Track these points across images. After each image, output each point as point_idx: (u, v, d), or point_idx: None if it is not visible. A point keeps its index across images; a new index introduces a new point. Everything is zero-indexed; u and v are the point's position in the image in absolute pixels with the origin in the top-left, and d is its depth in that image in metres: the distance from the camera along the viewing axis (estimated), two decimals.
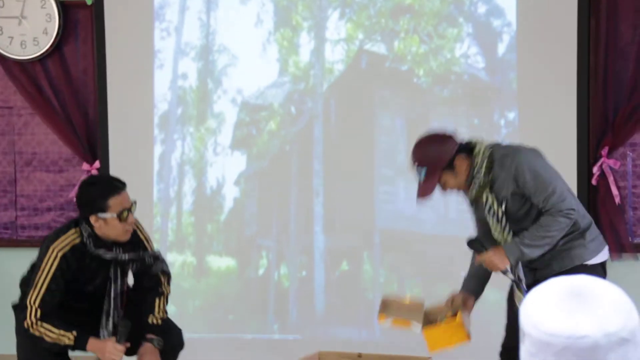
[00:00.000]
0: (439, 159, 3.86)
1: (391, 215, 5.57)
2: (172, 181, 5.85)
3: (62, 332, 4.04)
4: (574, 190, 5.28)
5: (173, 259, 5.83)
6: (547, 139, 5.36)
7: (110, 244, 4.17)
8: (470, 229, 5.43)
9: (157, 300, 4.36)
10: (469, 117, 5.51)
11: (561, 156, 5.33)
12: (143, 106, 5.84)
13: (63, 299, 4.13)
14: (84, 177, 5.87)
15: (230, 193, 5.80)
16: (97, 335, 4.19)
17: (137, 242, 4.32)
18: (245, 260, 5.79)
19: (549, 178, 3.84)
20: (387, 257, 5.61)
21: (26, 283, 4.26)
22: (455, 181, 3.91)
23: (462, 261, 5.40)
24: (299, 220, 5.70)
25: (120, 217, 4.10)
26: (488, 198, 3.90)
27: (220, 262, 5.83)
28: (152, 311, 4.33)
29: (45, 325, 4.05)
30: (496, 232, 3.97)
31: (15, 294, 5.94)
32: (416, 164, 3.91)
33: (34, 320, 4.05)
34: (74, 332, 4.05)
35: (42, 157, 6.03)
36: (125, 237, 4.17)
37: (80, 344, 4.07)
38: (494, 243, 4.01)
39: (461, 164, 3.88)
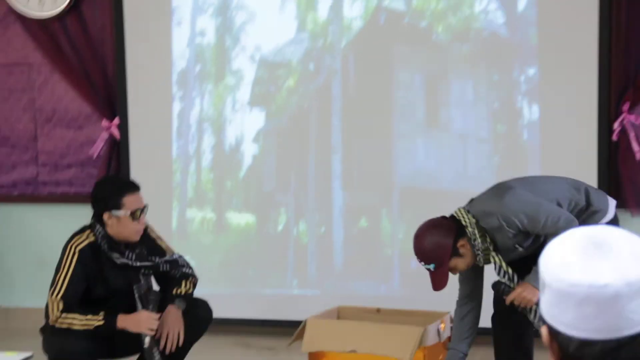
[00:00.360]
0: (443, 252, 3.85)
1: (409, 171, 5.57)
2: (191, 138, 5.87)
3: (89, 316, 4.03)
4: (594, 147, 5.27)
5: (193, 215, 5.87)
6: (568, 95, 5.34)
7: (123, 249, 4.18)
8: (487, 185, 5.43)
9: (184, 281, 4.35)
10: (488, 74, 5.48)
11: (582, 112, 5.30)
12: (161, 63, 5.84)
13: (91, 301, 4.12)
14: (104, 133, 5.91)
15: (249, 150, 5.81)
16: (126, 335, 4.10)
17: (151, 248, 4.32)
18: (264, 217, 5.82)
19: (535, 209, 3.80)
20: (406, 213, 5.62)
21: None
22: (465, 263, 3.92)
23: None
24: (318, 177, 5.71)
25: (133, 215, 4.14)
26: (496, 260, 3.90)
27: (240, 219, 5.86)
28: (177, 285, 4.33)
29: (70, 315, 4.04)
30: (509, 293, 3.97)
31: (37, 249, 6.03)
32: (422, 262, 3.90)
33: (57, 314, 4.05)
34: (102, 313, 4.05)
35: (62, 113, 6.07)
36: (135, 237, 4.19)
37: (110, 323, 4.03)
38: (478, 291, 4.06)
39: (465, 246, 3.88)
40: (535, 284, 3.81)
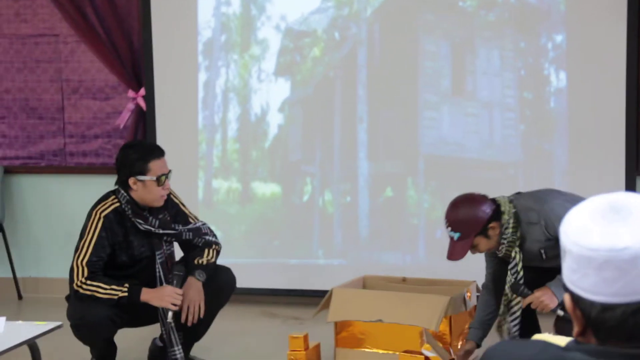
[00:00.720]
0: (473, 226, 3.83)
1: (435, 141, 5.54)
2: (217, 108, 5.87)
3: (113, 287, 4.07)
4: (622, 114, 5.21)
5: (218, 185, 5.88)
6: (595, 62, 5.28)
7: (147, 215, 4.21)
8: (515, 154, 5.40)
9: (207, 250, 4.38)
10: (515, 41, 5.43)
11: (610, 79, 5.24)
12: (187, 33, 5.84)
13: (114, 266, 4.17)
14: (130, 104, 5.92)
15: (275, 120, 5.80)
16: (147, 305, 4.13)
17: (174, 213, 4.35)
18: (289, 187, 5.82)
19: None
20: (431, 182, 5.60)
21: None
22: (487, 245, 3.89)
23: (507, 186, 5.39)
24: (343, 147, 5.70)
25: (158, 180, 4.17)
26: (516, 256, 3.88)
27: (265, 189, 5.87)
28: (199, 255, 4.35)
29: (94, 282, 4.07)
30: (509, 286, 3.94)
31: (64, 220, 6.07)
32: (449, 228, 3.87)
33: (82, 279, 4.08)
34: (126, 285, 4.09)
35: (88, 84, 6.09)
36: (160, 202, 4.22)
37: (133, 296, 4.07)
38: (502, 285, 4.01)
39: (495, 229, 3.85)
40: (556, 290, 3.79)
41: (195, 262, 4.29)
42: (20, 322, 2.94)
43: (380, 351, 4.49)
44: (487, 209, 3.84)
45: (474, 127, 5.50)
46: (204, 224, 4.43)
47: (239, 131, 5.87)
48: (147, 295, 4.08)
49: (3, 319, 2.84)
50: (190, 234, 4.34)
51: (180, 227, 4.32)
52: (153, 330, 4.41)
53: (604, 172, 5.25)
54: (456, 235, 3.84)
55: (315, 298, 5.46)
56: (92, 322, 4.06)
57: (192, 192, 5.85)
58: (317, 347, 4.53)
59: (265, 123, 5.82)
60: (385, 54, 5.59)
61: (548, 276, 3.87)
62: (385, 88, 5.60)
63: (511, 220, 3.84)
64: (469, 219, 3.83)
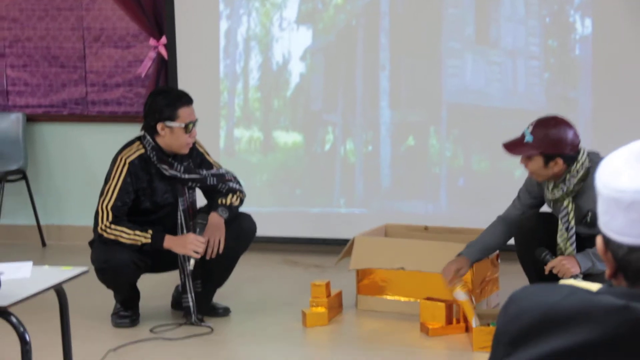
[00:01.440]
0: (548, 144, 3.83)
1: (458, 89, 5.51)
2: (239, 57, 5.85)
3: (136, 232, 4.13)
4: None
5: (240, 135, 5.89)
6: (622, 8, 5.21)
7: (172, 161, 4.23)
8: (539, 102, 5.37)
9: (231, 195, 4.40)
10: None
11: (636, 24, 5.18)
12: None
13: (137, 212, 4.21)
14: (151, 53, 5.91)
15: (296, 68, 5.78)
16: (170, 252, 4.20)
17: (199, 161, 4.37)
18: (311, 136, 5.82)
19: None
20: (454, 131, 5.58)
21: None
22: (537, 170, 3.89)
23: None
24: (365, 95, 5.68)
25: (186, 128, 4.19)
26: (568, 206, 3.90)
27: (287, 138, 5.87)
28: (223, 197, 4.38)
29: (118, 227, 4.13)
30: (561, 237, 3.94)
31: (87, 168, 6.11)
32: (530, 127, 3.87)
33: (107, 223, 4.14)
34: (150, 231, 4.14)
35: (109, 32, 6.08)
36: (185, 149, 4.26)
37: (157, 242, 4.13)
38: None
39: (557, 167, 3.85)
40: (580, 259, 3.78)
41: (219, 202, 4.34)
42: (46, 266, 2.98)
43: (402, 299, 4.52)
44: (569, 147, 3.84)
45: (498, 76, 5.46)
46: (228, 172, 4.46)
47: (260, 80, 5.86)
48: (170, 242, 4.13)
49: (29, 263, 2.88)
50: (215, 179, 4.37)
51: (205, 172, 4.35)
52: (176, 277, 4.46)
53: (629, 120, 5.21)
54: (529, 137, 3.85)
55: (337, 246, 5.49)
56: (117, 266, 4.13)
57: (214, 141, 5.86)
58: (339, 294, 4.56)
59: (287, 72, 5.80)
60: (408, 1, 5.54)
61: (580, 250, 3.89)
62: (408, 36, 5.56)
63: (580, 172, 3.85)
64: (552, 137, 3.83)
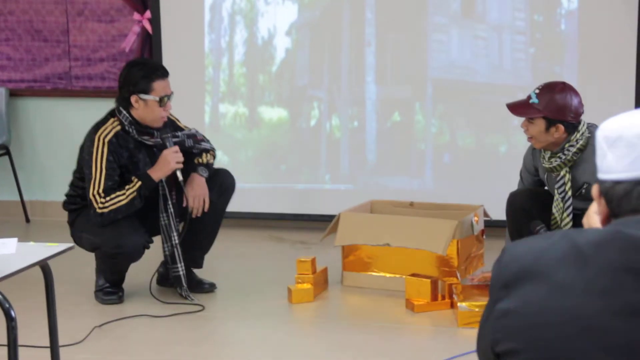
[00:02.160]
0: (552, 108, 3.86)
1: (444, 64, 5.52)
2: (224, 31, 5.83)
3: (128, 190, 4.16)
4: (634, 38, 5.17)
5: (225, 110, 5.88)
6: None
7: (151, 130, 4.25)
8: (525, 78, 5.38)
9: (204, 153, 4.48)
10: None
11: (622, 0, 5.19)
12: None
13: (120, 185, 4.23)
14: (135, 27, 5.88)
15: (282, 43, 5.77)
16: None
17: (173, 129, 4.41)
18: (296, 111, 5.81)
19: None
20: (440, 107, 5.59)
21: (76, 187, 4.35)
22: (537, 135, 3.92)
23: None
24: (351, 71, 5.67)
25: (161, 101, 4.20)
26: (565, 176, 3.92)
27: (272, 113, 5.86)
28: (199, 157, 4.47)
29: (111, 196, 4.16)
30: (556, 208, 3.97)
31: (70, 143, 6.08)
32: (537, 90, 3.90)
33: (101, 203, 4.14)
34: (133, 178, 4.18)
35: (93, 6, 6.05)
36: (159, 123, 4.27)
37: (147, 181, 4.18)
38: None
39: (558, 133, 3.89)
40: None
41: (196, 161, 4.42)
42: (32, 243, 2.98)
43: (387, 275, 4.55)
44: (573, 115, 3.88)
45: (484, 51, 5.47)
46: (198, 131, 4.53)
47: (245, 55, 5.84)
48: (156, 172, 4.22)
49: (15, 240, 2.88)
50: (191, 140, 4.41)
51: (180, 134, 4.38)
52: (156, 256, 4.47)
53: (614, 96, 5.24)
54: (534, 99, 3.89)
55: (322, 223, 5.51)
56: (131, 251, 4.21)
57: (199, 117, 5.86)
58: (325, 270, 4.58)
59: (273, 47, 5.79)
60: None
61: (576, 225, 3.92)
62: (394, 11, 5.55)
63: (580, 142, 3.88)
64: (557, 101, 3.87)
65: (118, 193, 4.16)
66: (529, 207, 4.04)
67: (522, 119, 3.99)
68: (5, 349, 2.62)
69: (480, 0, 5.42)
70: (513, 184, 4.28)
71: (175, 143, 4.32)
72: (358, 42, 5.63)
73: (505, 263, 1.55)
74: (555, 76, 5.37)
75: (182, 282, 4.34)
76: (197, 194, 4.32)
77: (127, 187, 4.17)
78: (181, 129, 4.47)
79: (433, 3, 5.48)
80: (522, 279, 1.50)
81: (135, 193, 4.17)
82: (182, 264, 4.34)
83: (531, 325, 1.47)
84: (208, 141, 4.56)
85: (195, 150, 4.45)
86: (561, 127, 3.86)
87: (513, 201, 4.13)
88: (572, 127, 3.88)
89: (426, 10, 5.50)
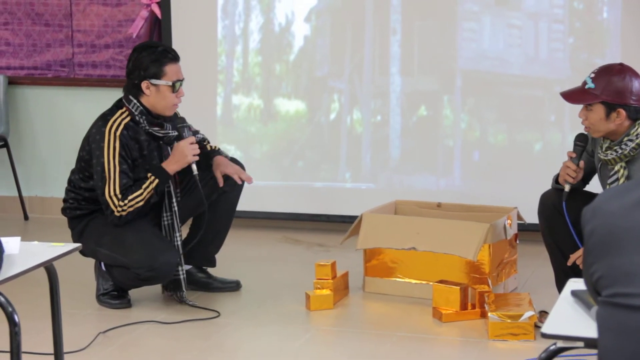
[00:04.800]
0: (612, 92, 3.82)
1: (475, 55, 5.50)
2: (238, 17, 5.84)
3: (145, 188, 4.17)
4: None
5: (239, 102, 5.88)
6: None
7: (161, 122, 4.26)
8: (562, 70, 5.36)
9: (207, 143, 4.54)
10: None
11: None
12: None
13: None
14: (143, 11, 5.90)
15: (300, 30, 5.77)
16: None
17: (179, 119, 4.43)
18: (315, 104, 5.81)
19: None
20: (470, 101, 5.58)
21: (78, 178, 4.36)
22: (595, 121, 3.87)
23: (552, 106, 5.37)
24: (374, 61, 5.67)
25: (173, 86, 4.20)
26: (620, 171, 3.88)
27: (289, 106, 5.87)
28: (208, 144, 4.54)
29: (130, 197, 4.16)
30: None
31: (72, 135, 6.10)
32: (592, 74, 3.88)
33: (120, 206, 4.15)
34: (149, 175, 4.19)
35: None
36: (171, 111, 4.29)
37: (163, 176, 4.19)
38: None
39: (619, 119, 3.84)
40: None
41: (209, 148, 4.50)
42: (36, 242, 2.99)
43: (413, 281, 4.54)
44: (635, 98, 3.84)
45: (518, 41, 5.46)
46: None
47: (261, 43, 5.85)
48: (171, 165, 4.23)
49: (18, 239, 2.89)
50: (192, 132, 4.42)
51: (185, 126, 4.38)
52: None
53: None
54: (590, 84, 3.86)
55: (342, 224, 5.51)
56: (165, 273, 4.24)
57: (210, 109, 5.87)
58: (345, 275, 4.58)
59: (290, 34, 5.79)
60: None
61: None
62: None
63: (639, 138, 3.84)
64: (615, 84, 3.84)
65: (136, 193, 4.16)
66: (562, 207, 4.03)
67: (579, 109, 3.95)
68: (7, 355, 2.64)
69: None
70: (548, 185, 4.27)
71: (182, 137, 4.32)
72: (382, 29, 5.62)
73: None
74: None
75: (182, 287, 4.36)
76: (236, 170, 4.39)
77: (143, 185, 4.17)
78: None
79: None
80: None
81: (152, 191, 4.18)
82: (183, 267, 4.35)
83: None
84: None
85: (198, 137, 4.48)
86: (622, 112, 3.83)
87: (545, 199, 4.13)
88: (634, 112, 3.84)
89: None
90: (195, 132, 4.47)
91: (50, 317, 3.07)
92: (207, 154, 4.44)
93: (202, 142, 4.48)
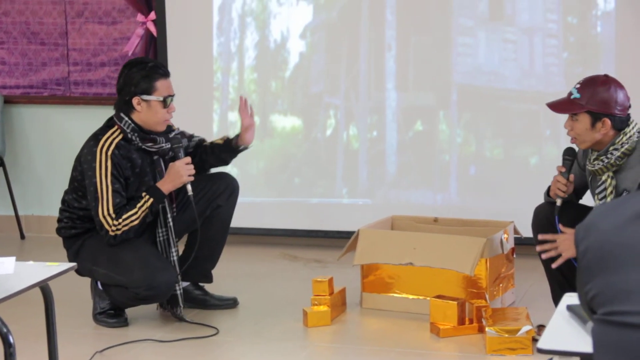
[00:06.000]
0: (597, 102, 3.85)
1: (470, 69, 5.51)
2: (233, 34, 5.85)
3: (139, 207, 4.17)
4: None
5: (235, 119, 5.88)
6: None
7: (154, 136, 4.26)
8: (557, 84, 5.36)
9: (204, 141, 4.57)
10: None
11: None
12: None
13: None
14: (139, 29, 5.91)
15: (296, 47, 5.78)
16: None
17: (170, 130, 4.43)
18: (311, 120, 5.82)
19: None
20: (465, 115, 5.58)
21: (71, 199, 4.35)
22: (581, 131, 3.89)
23: (548, 120, 5.38)
24: (370, 77, 5.67)
25: (164, 102, 4.21)
26: (607, 180, 3.90)
27: (285, 122, 5.87)
28: (204, 141, 4.57)
29: (124, 216, 4.16)
30: None
31: (68, 153, 6.10)
32: (578, 85, 3.91)
33: (114, 225, 4.15)
34: (143, 194, 4.19)
35: (94, 7, 6.07)
36: (162, 126, 4.30)
37: (157, 196, 4.19)
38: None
39: (604, 129, 3.86)
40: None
41: (210, 142, 4.56)
42: (31, 262, 2.98)
43: (410, 296, 4.53)
44: (619, 108, 3.86)
45: (513, 55, 5.46)
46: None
47: (257, 59, 5.85)
48: (165, 185, 4.23)
49: (13, 259, 2.88)
50: (186, 140, 4.46)
51: (184, 140, 4.43)
52: None
53: None
54: (576, 95, 3.89)
55: (338, 240, 5.50)
56: (164, 292, 4.23)
57: (207, 125, 5.86)
58: (343, 291, 4.57)
59: (286, 50, 5.80)
60: None
61: None
62: (416, 12, 5.56)
63: (626, 145, 3.86)
64: (600, 94, 3.86)
65: (130, 213, 4.16)
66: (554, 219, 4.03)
67: (565, 121, 3.97)
68: None
69: (509, 1, 5.42)
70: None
71: (177, 148, 4.32)
72: (378, 45, 5.63)
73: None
74: None
75: (179, 302, 4.35)
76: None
77: (138, 204, 4.17)
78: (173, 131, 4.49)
79: (458, 4, 5.48)
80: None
81: (147, 210, 4.18)
82: (180, 283, 4.35)
83: None
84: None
85: (192, 143, 4.50)
86: (608, 122, 3.85)
87: (538, 212, 4.14)
88: (619, 122, 3.86)
89: (451, 12, 5.50)
90: (191, 137, 4.49)
91: (46, 337, 3.06)
92: (218, 141, 4.51)
93: (201, 143, 4.50)
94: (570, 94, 3.93)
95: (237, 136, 4.52)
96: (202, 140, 4.56)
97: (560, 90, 5.29)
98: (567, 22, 5.41)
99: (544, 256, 3.91)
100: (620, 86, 3.92)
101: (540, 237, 3.94)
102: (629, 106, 3.93)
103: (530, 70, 5.45)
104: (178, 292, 4.34)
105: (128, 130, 4.21)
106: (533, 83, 5.44)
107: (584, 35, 5.40)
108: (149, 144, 4.25)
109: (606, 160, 3.88)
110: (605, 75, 3.96)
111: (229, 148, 4.50)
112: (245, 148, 4.54)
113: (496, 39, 5.47)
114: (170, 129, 4.37)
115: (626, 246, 1.69)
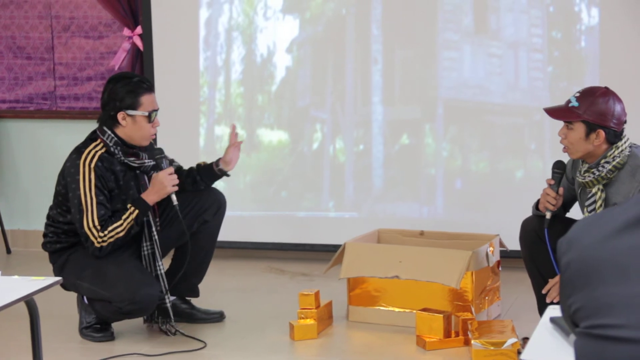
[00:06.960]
0: (594, 113, 3.87)
1: (456, 83, 5.53)
2: (220, 49, 5.86)
3: (124, 219, 4.17)
4: None
5: (221, 132, 5.89)
6: None
7: (136, 151, 4.26)
8: (542, 98, 5.39)
9: (185, 170, 4.55)
10: None
11: None
12: None
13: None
14: (125, 44, 5.91)
15: (282, 61, 5.79)
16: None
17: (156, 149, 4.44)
18: (298, 134, 5.82)
19: None
20: (451, 129, 5.60)
21: (56, 215, 4.34)
22: (575, 140, 3.91)
23: (533, 133, 5.40)
24: (356, 91, 5.69)
25: (149, 117, 4.21)
26: (597, 193, 3.92)
27: (272, 136, 5.88)
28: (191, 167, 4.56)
29: (109, 228, 4.16)
30: None
31: (54, 167, 6.09)
32: (577, 94, 3.92)
33: (100, 237, 4.14)
34: (129, 206, 4.19)
35: (80, 22, 6.08)
36: (147, 141, 4.31)
37: (143, 207, 4.19)
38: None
39: (598, 140, 3.88)
40: None
41: (198, 164, 4.56)
42: (16, 276, 2.98)
43: (397, 309, 4.54)
44: (615, 121, 3.88)
45: (498, 69, 5.49)
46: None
47: (243, 73, 5.86)
48: (150, 196, 4.23)
49: None
50: (168, 162, 4.40)
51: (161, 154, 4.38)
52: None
53: (638, 117, 5.24)
54: (574, 103, 3.90)
55: (325, 253, 5.51)
56: (147, 306, 4.21)
57: (193, 140, 5.87)
58: (329, 305, 4.57)
59: (272, 65, 5.81)
60: None
61: None
62: (402, 26, 5.58)
63: (617, 159, 3.88)
64: (598, 105, 3.87)
65: (116, 224, 4.16)
66: (542, 233, 4.05)
67: (561, 128, 3.99)
68: None
69: (494, 16, 5.45)
70: (530, 212, 4.28)
71: (158, 166, 4.31)
72: (364, 59, 5.65)
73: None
74: None
75: (170, 315, 4.35)
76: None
77: (123, 216, 4.17)
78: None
79: (444, 18, 5.50)
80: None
81: (133, 222, 4.18)
82: (169, 295, 4.34)
83: None
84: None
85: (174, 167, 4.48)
86: (602, 134, 3.86)
87: (526, 225, 4.16)
88: (613, 135, 3.88)
89: (436, 26, 5.52)
90: (171, 161, 4.47)
91: (31, 352, 3.05)
92: (190, 172, 4.49)
93: (179, 170, 4.48)
94: (569, 101, 3.93)
95: (219, 160, 4.53)
96: (180, 168, 4.54)
97: (545, 104, 5.31)
98: (552, 36, 5.43)
99: (548, 299, 3.92)
100: (619, 100, 3.93)
101: (545, 292, 3.95)
102: (625, 121, 3.94)
103: (515, 84, 5.47)
104: (168, 305, 4.33)
105: (111, 144, 4.20)
106: (518, 97, 5.46)
107: (569, 49, 5.43)
108: (132, 159, 4.25)
109: (597, 173, 3.89)
110: (606, 88, 3.97)
111: (211, 172, 4.49)
112: (226, 173, 4.53)
113: (481, 53, 5.50)
114: (151, 145, 4.37)
115: (608, 260, 1.69)
